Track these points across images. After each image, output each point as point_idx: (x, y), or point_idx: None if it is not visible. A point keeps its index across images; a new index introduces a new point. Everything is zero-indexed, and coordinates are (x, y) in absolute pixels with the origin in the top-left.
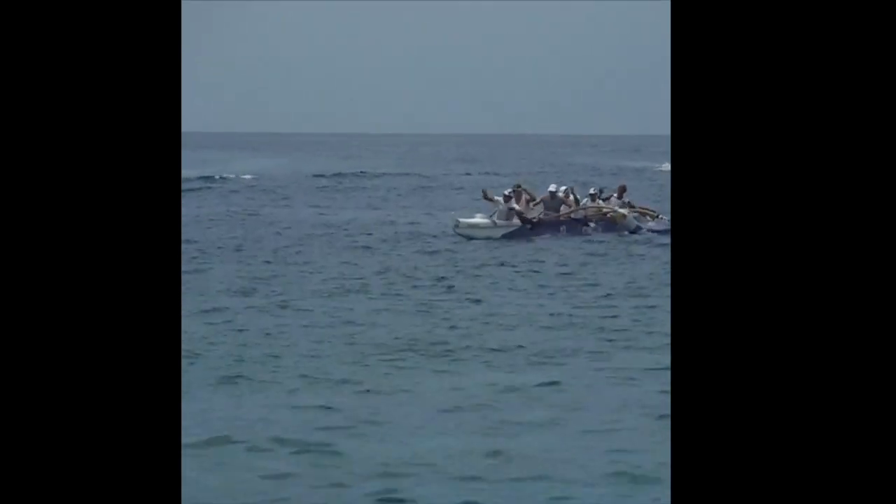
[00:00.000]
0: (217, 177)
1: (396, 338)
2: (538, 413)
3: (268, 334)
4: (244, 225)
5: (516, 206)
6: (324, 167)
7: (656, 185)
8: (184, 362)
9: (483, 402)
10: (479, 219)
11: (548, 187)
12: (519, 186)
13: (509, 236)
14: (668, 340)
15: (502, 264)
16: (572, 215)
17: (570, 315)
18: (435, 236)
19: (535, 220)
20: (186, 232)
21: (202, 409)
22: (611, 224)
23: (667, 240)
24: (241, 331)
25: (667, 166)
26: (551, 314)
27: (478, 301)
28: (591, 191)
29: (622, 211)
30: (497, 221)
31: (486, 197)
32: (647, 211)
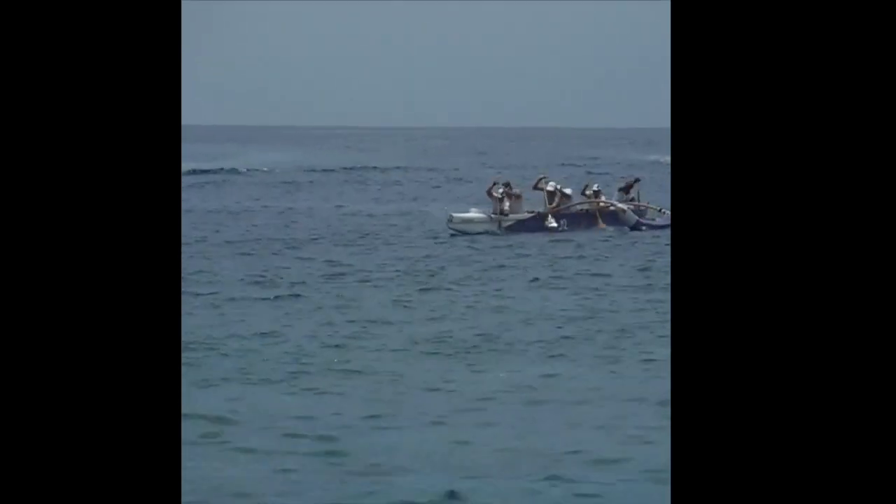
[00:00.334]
0: (232, 169)
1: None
2: None
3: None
4: (256, 217)
5: (505, 203)
6: (336, 161)
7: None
8: (198, 356)
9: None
10: (474, 213)
11: (554, 184)
12: (507, 184)
13: (509, 231)
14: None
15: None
16: (573, 209)
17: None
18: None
19: (507, 216)
20: (196, 225)
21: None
22: (613, 219)
23: (664, 234)
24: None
25: None
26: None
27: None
28: (595, 187)
29: (622, 205)
30: (493, 216)
31: (489, 193)
32: (651, 207)
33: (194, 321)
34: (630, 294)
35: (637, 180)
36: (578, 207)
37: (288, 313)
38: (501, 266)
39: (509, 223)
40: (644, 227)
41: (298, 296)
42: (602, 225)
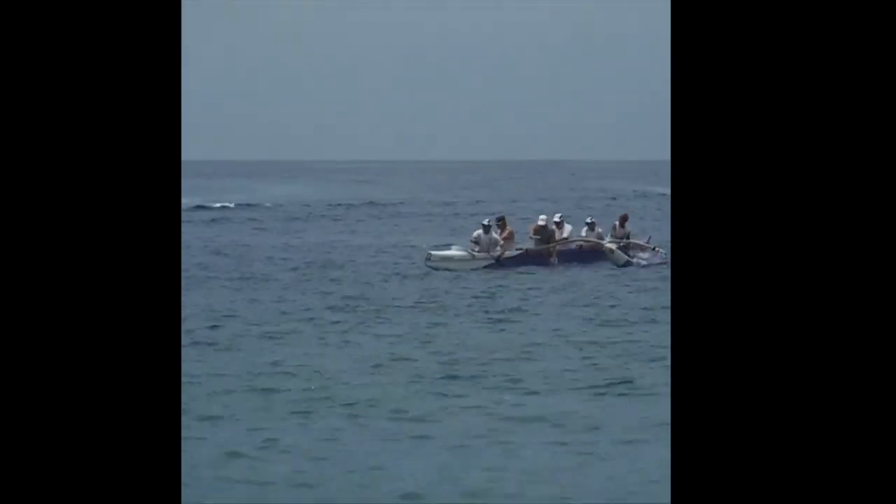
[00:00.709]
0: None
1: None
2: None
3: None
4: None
5: (496, 237)
6: (334, 195)
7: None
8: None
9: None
10: (454, 251)
11: (542, 217)
12: (502, 219)
13: (490, 269)
14: None
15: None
16: (559, 247)
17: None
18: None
19: (502, 256)
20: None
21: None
22: (599, 257)
23: (645, 274)
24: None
25: None
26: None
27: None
28: (588, 220)
29: (609, 245)
30: (475, 254)
31: (486, 230)
32: (641, 244)
33: None
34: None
35: (626, 217)
36: (567, 245)
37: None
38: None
39: (491, 262)
40: (635, 266)
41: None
42: (609, 259)
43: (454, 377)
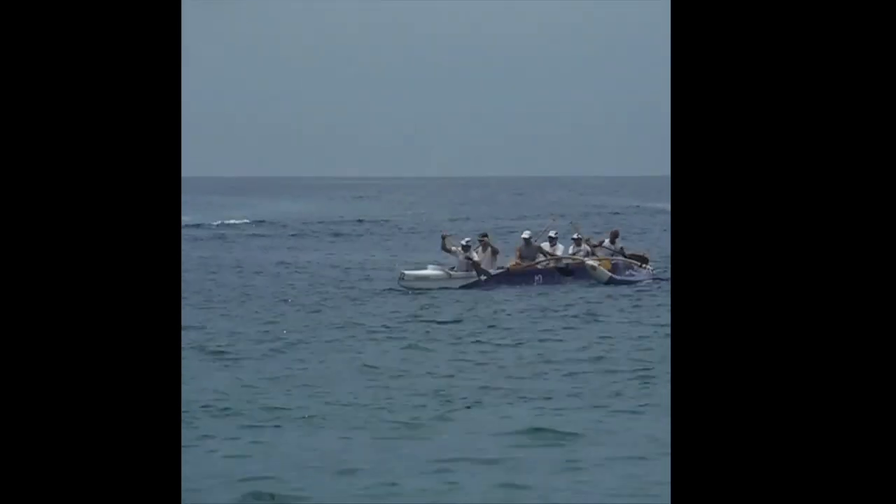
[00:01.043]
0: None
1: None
2: None
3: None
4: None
5: (474, 257)
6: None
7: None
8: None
9: None
10: (431, 270)
11: (524, 233)
12: (485, 236)
13: (468, 288)
14: None
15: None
16: (539, 266)
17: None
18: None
19: (485, 272)
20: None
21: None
22: (584, 275)
23: (637, 291)
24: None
25: None
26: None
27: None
28: (574, 235)
29: (591, 262)
30: (453, 273)
31: (444, 247)
32: (632, 261)
33: None
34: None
35: (617, 233)
36: (544, 264)
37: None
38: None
39: (471, 280)
40: (621, 283)
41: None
42: (591, 276)
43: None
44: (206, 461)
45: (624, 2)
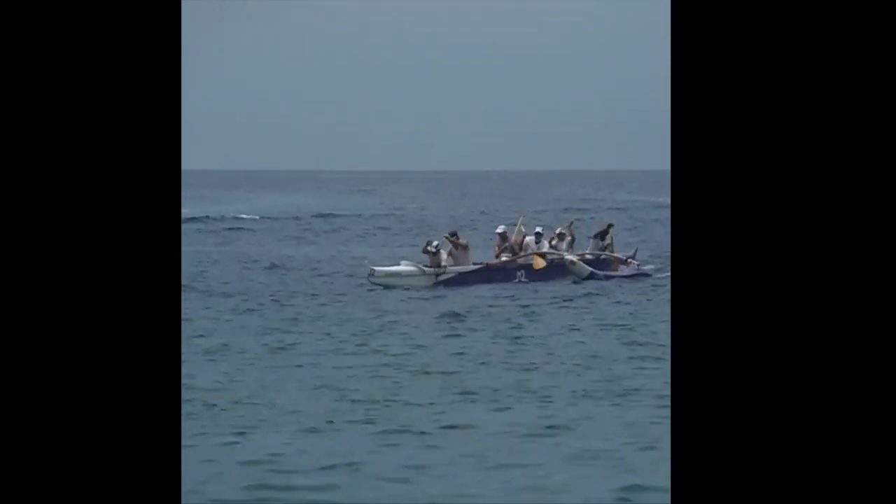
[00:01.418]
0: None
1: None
2: None
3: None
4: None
5: (443, 256)
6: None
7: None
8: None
9: None
10: (403, 266)
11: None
12: (454, 234)
13: (442, 285)
14: None
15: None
16: (519, 261)
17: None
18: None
19: (446, 269)
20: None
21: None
22: (563, 271)
23: (615, 286)
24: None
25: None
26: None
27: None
28: (558, 230)
29: (570, 257)
30: (427, 270)
31: (424, 250)
32: (616, 256)
33: None
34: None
35: (611, 225)
36: (523, 260)
37: None
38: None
39: (446, 276)
40: (602, 278)
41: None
42: (570, 271)
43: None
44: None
45: (624, 1)
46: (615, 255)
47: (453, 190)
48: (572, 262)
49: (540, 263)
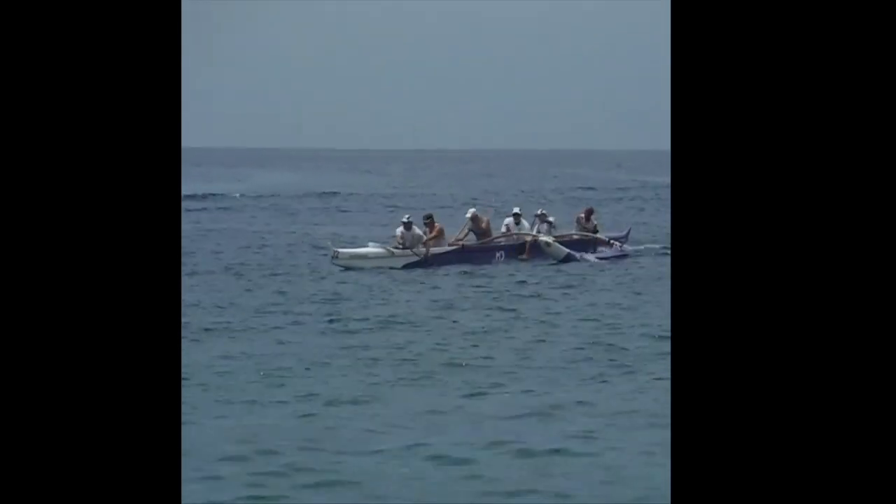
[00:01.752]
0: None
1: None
2: None
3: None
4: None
5: (417, 231)
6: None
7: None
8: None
9: None
10: (370, 248)
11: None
12: (430, 217)
13: (412, 267)
14: None
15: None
16: (500, 241)
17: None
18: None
19: (428, 253)
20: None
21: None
22: (538, 252)
23: (578, 268)
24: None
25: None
26: None
27: None
28: (538, 211)
29: (545, 238)
30: (396, 252)
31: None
32: (599, 238)
33: None
34: None
35: (591, 210)
36: (500, 241)
37: None
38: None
39: (414, 259)
40: (580, 260)
41: None
42: (547, 253)
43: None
44: None
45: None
46: (597, 236)
47: (460, 169)
48: (547, 244)
49: (556, 247)
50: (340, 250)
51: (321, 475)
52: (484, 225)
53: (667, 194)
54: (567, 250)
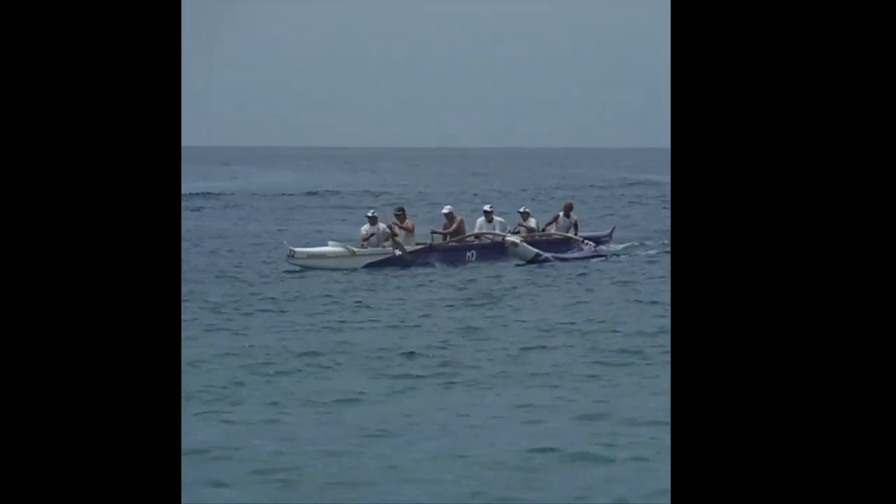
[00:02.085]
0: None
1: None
2: None
3: None
4: None
5: (382, 227)
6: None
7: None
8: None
9: None
10: (330, 247)
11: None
12: (401, 210)
13: (376, 267)
14: None
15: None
16: (471, 241)
17: None
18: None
19: (401, 250)
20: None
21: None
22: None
23: (556, 269)
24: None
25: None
26: None
27: None
28: (522, 209)
29: (512, 239)
30: (358, 251)
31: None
32: (571, 237)
33: None
34: None
35: (571, 206)
36: (483, 239)
37: None
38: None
39: (377, 258)
40: (550, 261)
41: None
42: (513, 253)
43: None
44: None
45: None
46: (570, 235)
47: (458, 168)
48: (514, 244)
49: (523, 248)
50: (297, 249)
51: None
52: (457, 224)
53: (664, 192)
54: (535, 251)
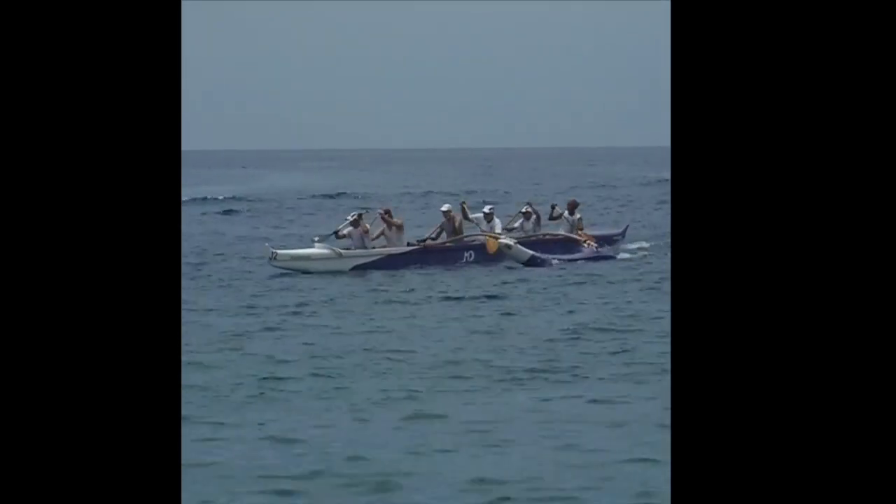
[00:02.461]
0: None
1: None
2: None
3: None
4: None
5: (366, 227)
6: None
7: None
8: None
9: None
10: (315, 249)
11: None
12: (387, 212)
13: (360, 270)
14: None
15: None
16: (466, 241)
17: None
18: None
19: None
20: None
21: None
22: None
23: (551, 271)
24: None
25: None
26: None
27: None
28: (524, 208)
29: (505, 240)
30: (345, 253)
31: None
32: (572, 237)
33: None
34: None
35: (575, 203)
36: (474, 239)
37: None
38: None
39: (365, 261)
40: (548, 263)
41: None
42: (508, 255)
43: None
44: None
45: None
46: (571, 235)
47: (459, 168)
48: (508, 246)
49: (493, 246)
50: (279, 251)
51: None
52: (457, 223)
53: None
54: (531, 253)
